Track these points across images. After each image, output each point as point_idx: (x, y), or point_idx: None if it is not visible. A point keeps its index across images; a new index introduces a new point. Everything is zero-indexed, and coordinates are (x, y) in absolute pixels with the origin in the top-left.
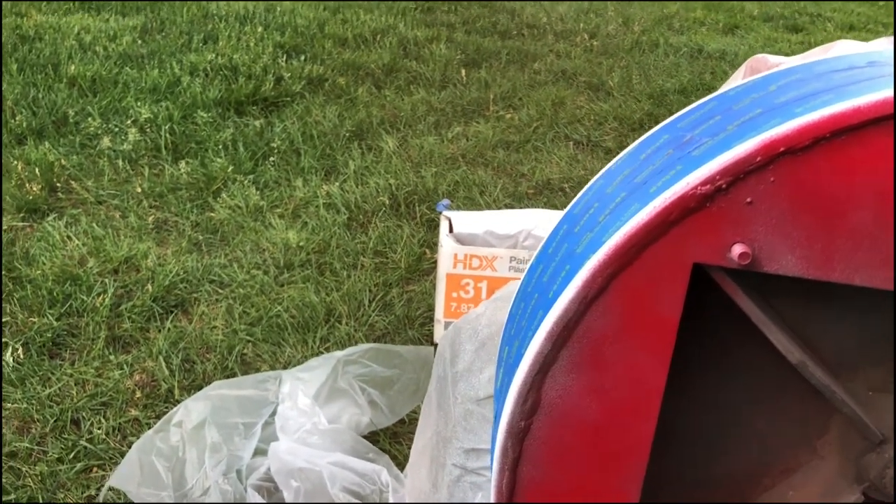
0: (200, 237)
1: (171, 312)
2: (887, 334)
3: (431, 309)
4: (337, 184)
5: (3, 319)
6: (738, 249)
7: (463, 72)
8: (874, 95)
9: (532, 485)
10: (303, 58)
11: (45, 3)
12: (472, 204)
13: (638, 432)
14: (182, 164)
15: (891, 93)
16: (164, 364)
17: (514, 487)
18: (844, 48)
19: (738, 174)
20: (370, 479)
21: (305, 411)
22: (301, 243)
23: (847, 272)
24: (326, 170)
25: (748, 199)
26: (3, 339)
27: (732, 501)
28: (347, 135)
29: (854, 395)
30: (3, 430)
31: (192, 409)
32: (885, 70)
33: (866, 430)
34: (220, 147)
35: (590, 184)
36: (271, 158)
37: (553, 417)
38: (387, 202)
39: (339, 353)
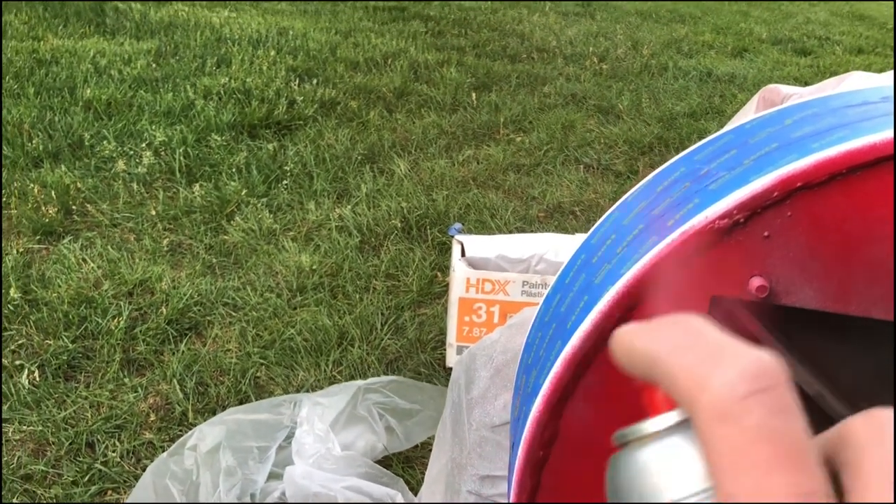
0: (214, 260)
1: (186, 335)
2: None
3: (443, 332)
4: (349, 207)
5: (20, 342)
6: (756, 283)
7: (473, 95)
8: (889, 132)
9: None
10: (315, 81)
11: (61, 27)
12: (483, 227)
13: None
14: (196, 187)
15: None
16: (178, 387)
17: None
18: (857, 80)
19: (756, 208)
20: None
21: (321, 436)
22: (314, 266)
23: (864, 306)
24: (339, 193)
25: (765, 233)
26: (20, 362)
27: None
28: (359, 158)
29: None
30: (19, 454)
31: (206, 433)
32: None
33: None
34: (234, 170)
35: (606, 214)
36: (284, 181)
37: (572, 447)
38: (398, 225)
39: (360, 382)
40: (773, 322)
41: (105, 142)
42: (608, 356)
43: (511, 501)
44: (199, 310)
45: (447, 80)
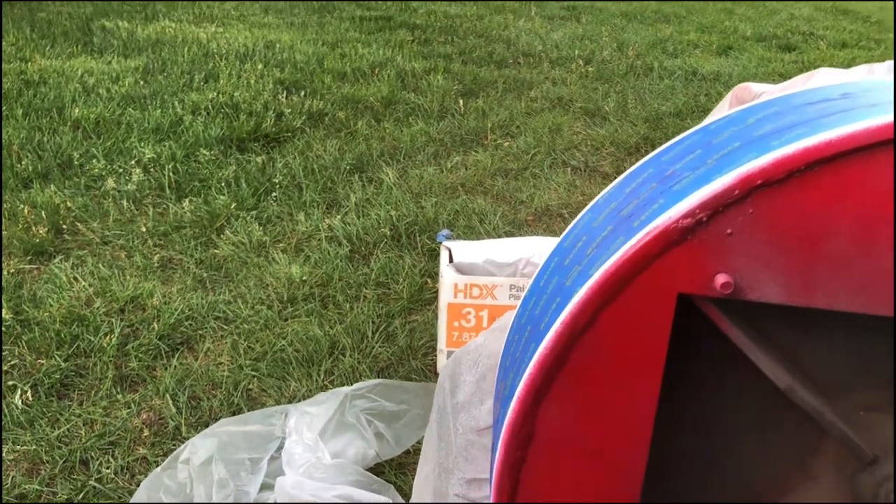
0: (205, 274)
1: (177, 350)
2: (879, 355)
3: (434, 339)
4: (338, 217)
5: (13, 362)
6: (720, 279)
7: (460, 102)
8: (845, 129)
9: None
10: (303, 93)
11: (48, 47)
12: (471, 232)
13: (631, 460)
14: (185, 202)
15: (859, 126)
16: (170, 402)
17: None
18: (824, 77)
19: (718, 207)
20: None
21: (310, 445)
22: (304, 277)
23: (828, 298)
24: (328, 203)
25: (728, 231)
26: (12, 382)
27: None
28: (348, 168)
29: (846, 415)
30: (13, 473)
31: (199, 446)
32: (858, 101)
33: (857, 451)
34: (223, 184)
35: (579, 216)
36: (273, 194)
37: (548, 447)
38: (388, 233)
39: (346, 389)
40: (744, 317)
41: (94, 160)
42: (580, 357)
43: (492, 502)
44: (191, 324)
45: (434, 88)
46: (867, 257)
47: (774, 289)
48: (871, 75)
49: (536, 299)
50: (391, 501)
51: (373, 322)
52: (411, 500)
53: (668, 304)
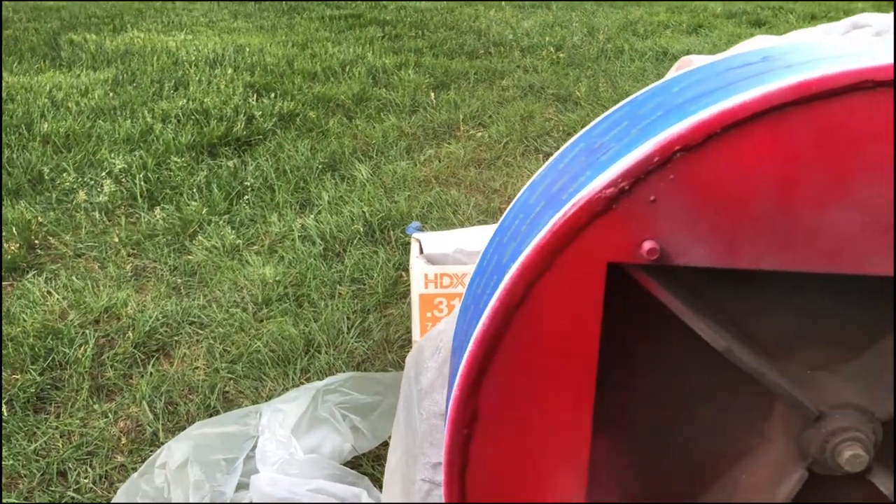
0: (179, 281)
1: (153, 357)
2: (823, 313)
3: (409, 331)
4: (312, 216)
5: None
6: (646, 246)
7: (432, 95)
8: (758, 90)
9: (481, 491)
10: (273, 95)
11: (16, 64)
12: (445, 224)
13: (574, 431)
14: (157, 210)
15: (772, 87)
16: (147, 409)
17: (464, 495)
18: (760, 43)
19: (639, 175)
20: (352, 502)
21: (283, 442)
22: (278, 278)
23: (752, 259)
24: (301, 203)
25: (651, 198)
26: None
27: (689, 490)
28: (320, 167)
29: (793, 374)
30: None
31: (174, 450)
32: (777, 63)
33: (802, 408)
34: (195, 190)
35: (518, 195)
36: (245, 197)
37: (493, 424)
38: (361, 230)
39: (318, 384)
40: (687, 282)
41: (65, 174)
42: (516, 332)
43: (444, 482)
44: (166, 331)
45: (406, 83)
46: (787, 216)
47: (700, 252)
48: (827, 35)
49: (479, 279)
50: (365, 492)
51: (348, 318)
52: (383, 489)
53: (598, 275)
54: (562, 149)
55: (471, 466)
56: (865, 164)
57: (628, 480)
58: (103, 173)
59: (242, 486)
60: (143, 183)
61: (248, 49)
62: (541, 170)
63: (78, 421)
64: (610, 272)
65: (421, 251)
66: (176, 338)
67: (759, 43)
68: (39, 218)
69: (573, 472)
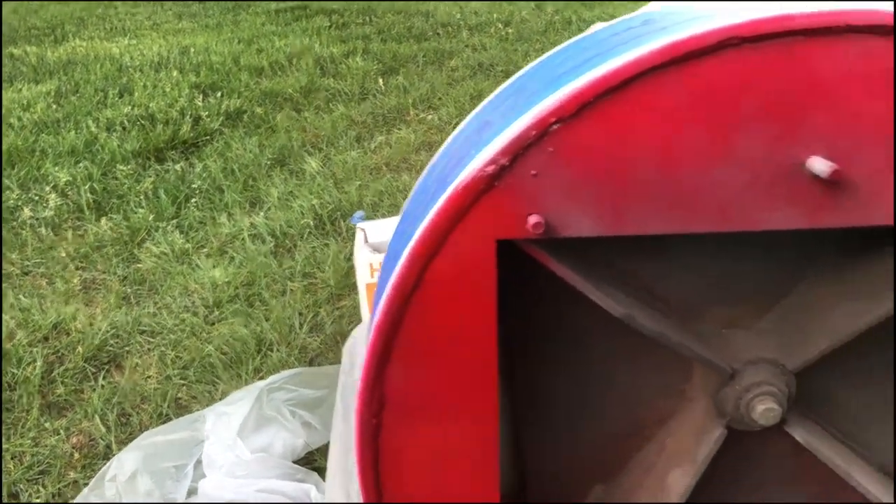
0: (129, 290)
1: (104, 370)
2: (735, 273)
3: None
4: (261, 213)
5: None
6: (532, 220)
7: (380, 81)
8: (630, 55)
9: (396, 479)
10: (219, 94)
11: None
12: (397, 211)
13: (481, 412)
14: (104, 221)
15: (643, 51)
16: (99, 422)
17: (379, 484)
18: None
19: (517, 151)
20: (300, 499)
21: (229, 445)
22: (228, 279)
23: (639, 224)
24: (250, 201)
25: (533, 172)
26: None
27: (616, 458)
28: (269, 163)
29: (708, 334)
30: None
31: (124, 461)
32: (655, 26)
33: (715, 367)
34: (142, 197)
35: (419, 180)
36: (193, 200)
37: (400, 410)
38: (311, 223)
39: (261, 383)
40: (587, 250)
41: (8, 191)
42: (414, 316)
43: (357, 472)
44: (117, 342)
45: (354, 71)
46: (670, 179)
47: (586, 222)
48: None
49: (385, 267)
50: (314, 488)
51: (300, 314)
52: (326, 483)
53: (489, 252)
54: (456, 130)
55: (383, 456)
56: (742, 120)
57: (550, 452)
58: (48, 188)
59: (193, 491)
60: (88, 194)
61: (193, 49)
62: (438, 151)
63: (29, 441)
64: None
65: (366, 240)
66: (127, 348)
67: (660, 5)
68: None
69: (485, 450)
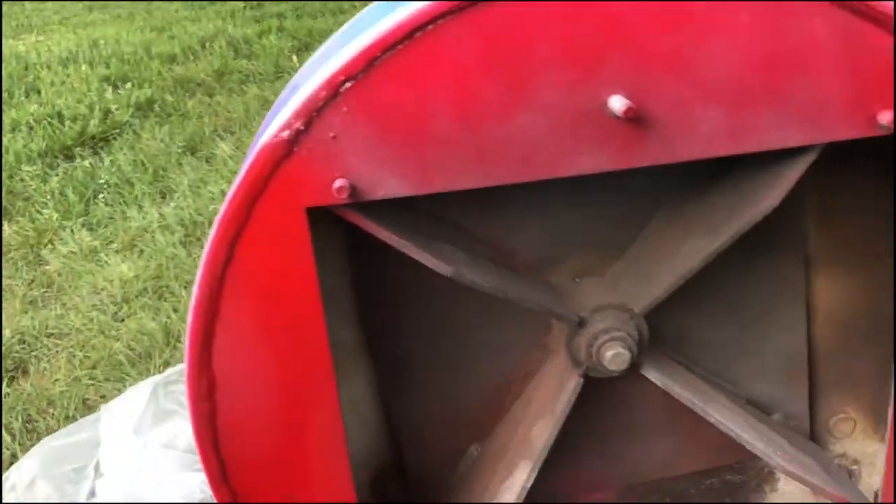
0: (35, 293)
1: (10, 376)
2: (580, 222)
3: None
4: (172, 204)
5: None
6: (336, 185)
7: (295, 58)
8: (415, 6)
9: (237, 459)
10: (129, 85)
11: None
12: None
13: (317, 388)
14: (8, 225)
15: (427, 2)
16: (4, 431)
17: (223, 467)
18: None
19: (311, 113)
20: (200, 488)
21: (126, 441)
22: (137, 273)
23: (447, 181)
24: (161, 192)
25: (332, 135)
26: None
27: (487, 415)
28: (179, 151)
29: (561, 284)
30: None
31: (23, 469)
32: None
33: (563, 317)
34: (48, 197)
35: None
36: (102, 195)
37: (233, 391)
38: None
39: (156, 377)
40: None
41: None
42: (233, 293)
43: (201, 459)
44: (23, 348)
45: (267, 50)
46: (472, 131)
47: (394, 182)
48: None
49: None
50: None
51: None
52: None
53: (299, 221)
54: (277, 99)
55: (223, 439)
56: (538, 66)
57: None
58: None
59: (95, 491)
60: None
61: (103, 41)
62: (256, 136)
63: None
64: None
65: None
66: (34, 353)
67: None
68: None
69: (328, 423)
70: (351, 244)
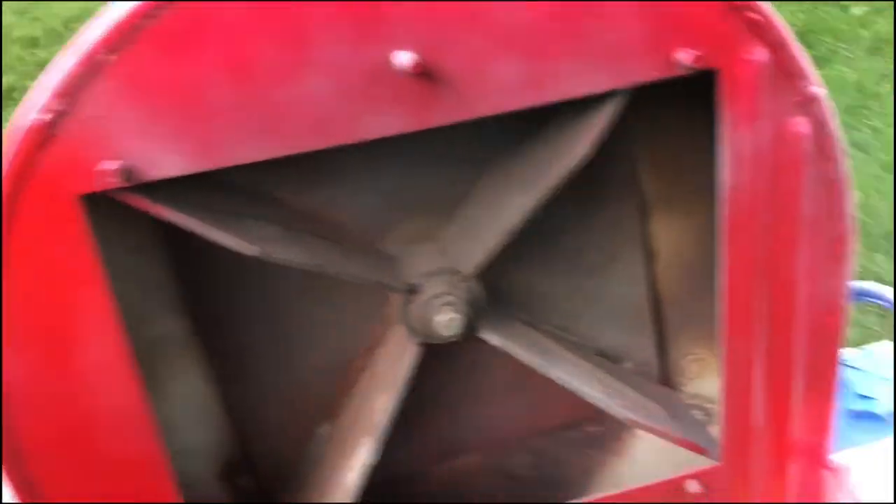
0: None
1: None
2: (408, 186)
3: None
4: None
5: None
6: (105, 168)
7: None
8: None
9: (47, 474)
10: None
11: None
12: None
13: (115, 385)
14: None
15: None
16: None
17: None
18: None
19: (70, 92)
20: None
21: None
22: None
23: (230, 154)
24: None
25: (97, 115)
26: None
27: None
28: None
29: (394, 252)
30: None
31: None
32: None
33: (389, 286)
34: None
35: None
36: None
37: (29, 399)
38: None
39: None
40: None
41: None
42: (10, 297)
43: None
44: None
45: None
46: (252, 99)
47: (172, 160)
48: None
49: None
50: None
51: None
52: None
53: (72, 211)
54: None
55: (25, 452)
56: (315, 25)
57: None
58: None
59: None
60: None
61: None
62: None
63: None
64: None
65: None
66: None
67: None
68: None
69: (132, 417)
70: (171, 232)
